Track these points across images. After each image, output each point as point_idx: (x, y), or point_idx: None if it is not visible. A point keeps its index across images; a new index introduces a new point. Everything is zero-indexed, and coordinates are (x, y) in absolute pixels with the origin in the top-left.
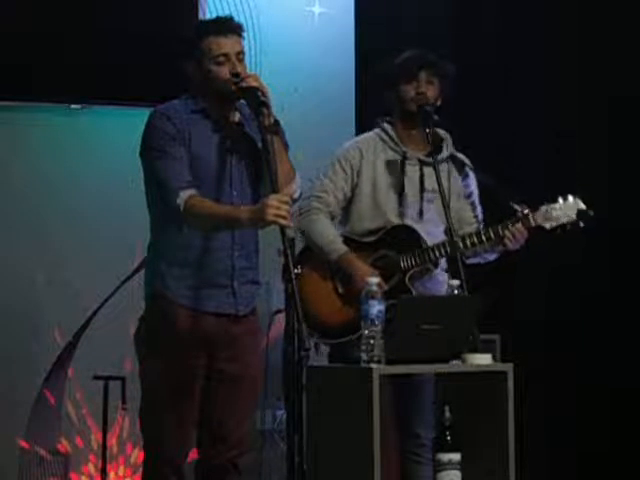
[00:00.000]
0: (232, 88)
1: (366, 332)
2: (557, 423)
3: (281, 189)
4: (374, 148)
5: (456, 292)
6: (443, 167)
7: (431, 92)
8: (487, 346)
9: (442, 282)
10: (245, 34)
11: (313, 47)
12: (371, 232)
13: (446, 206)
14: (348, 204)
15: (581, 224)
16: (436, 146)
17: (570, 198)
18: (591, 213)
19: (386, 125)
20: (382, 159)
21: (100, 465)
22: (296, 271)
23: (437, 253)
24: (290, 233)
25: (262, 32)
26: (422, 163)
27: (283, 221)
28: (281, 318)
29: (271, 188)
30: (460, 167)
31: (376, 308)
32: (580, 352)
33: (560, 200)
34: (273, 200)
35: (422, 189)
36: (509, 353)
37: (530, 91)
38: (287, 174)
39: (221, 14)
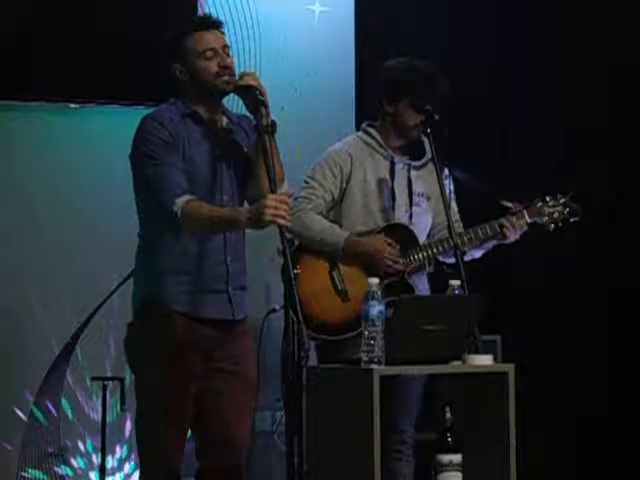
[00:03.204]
0: (222, 81)
1: (366, 333)
2: (557, 423)
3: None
4: (361, 153)
5: (457, 292)
6: (430, 168)
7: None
8: (488, 347)
9: (425, 280)
10: (244, 32)
11: (313, 46)
12: (362, 234)
13: (447, 206)
14: (338, 209)
15: (572, 220)
16: (419, 149)
17: (561, 195)
18: (580, 210)
19: (372, 130)
20: (370, 164)
21: (98, 466)
22: (295, 271)
23: (436, 250)
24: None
25: (262, 31)
26: (409, 167)
27: (282, 221)
28: (280, 319)
29: (268, 188)
30: (440, 168)
31: (376, 309)
32: (580, 352)
33: (551, 197)
34: (271, 200)
35: (410, 193)
36: (509, 353)
37: (529, 92)
38: (279, 176)
39: (221, 13)
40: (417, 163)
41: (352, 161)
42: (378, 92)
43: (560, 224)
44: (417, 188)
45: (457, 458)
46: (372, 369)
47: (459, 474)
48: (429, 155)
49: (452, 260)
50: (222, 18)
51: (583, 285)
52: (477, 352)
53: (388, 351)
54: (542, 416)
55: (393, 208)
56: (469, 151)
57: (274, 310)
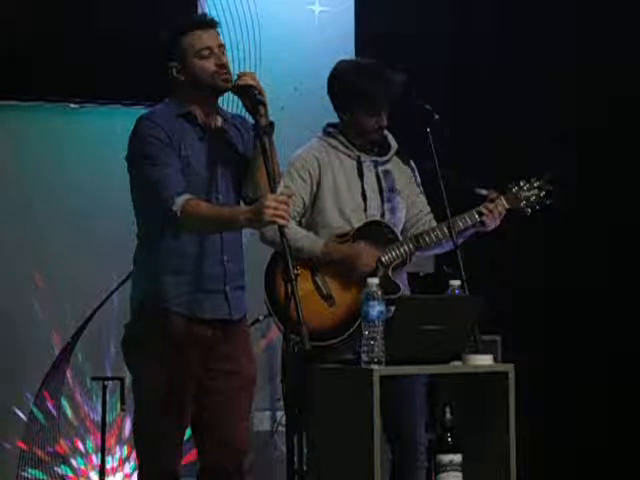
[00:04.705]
0: (220, 79)
1: (366, 333)
2: (557, 423)
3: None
4: (327, 155)
5: (457, 292)
6: (396, 161)
7: (386, 120)
8: (488, 347)
9: (404, 275)
10: (244, 32)
11: (313, 46)
12: (338, 237)
13: (444, 198)
14: (310, 214)
15: (548, 202)
16: (385, 144)
17: (534, 179)
18: (555, 192)
19: (334, 130)
20: (337, 165)
21: (98, 466)
22: (295, 271)
23: (417, 244)
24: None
25: (262, 31)
26: (376, 164)
27: (281, 221)
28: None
29: (267, 188)
30: (405, 159)
31: (377, 309)
32: (580, 352)
33: (525, 181)
34: (271, 200)
35: (381, 190)
36: (509, 353)
37: (529, 92)
38: (277, 175)
39: (221, 13)
40: (384, 158)
41: (319, 164)
42: (331, 99)
43: (537, 207)
44: (387, 184)
45: (457, 458)
46: (372, 369)
47: (459, 474)
48: (394, 149)
49: (430, 252)
50: (222, 18)
51: (583, 285)
52: (477, 352)
53: (388, 351)
54: (542, 416)
55: (365, 208)
56: (469, 150)
57: (257, 320)
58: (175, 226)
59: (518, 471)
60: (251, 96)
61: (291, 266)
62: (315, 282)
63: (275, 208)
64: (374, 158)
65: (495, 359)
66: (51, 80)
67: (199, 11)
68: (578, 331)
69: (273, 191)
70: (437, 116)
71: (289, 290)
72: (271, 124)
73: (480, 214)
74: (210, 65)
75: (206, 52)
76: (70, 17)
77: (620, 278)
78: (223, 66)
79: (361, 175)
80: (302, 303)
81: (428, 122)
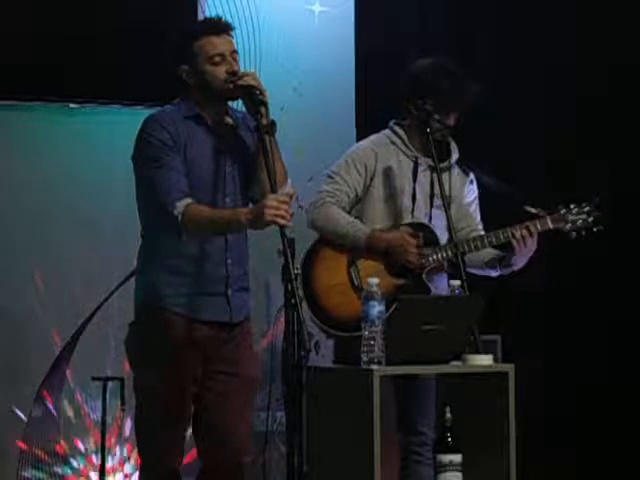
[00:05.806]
0: (230, 87)
1: (366, 333)
2: (557, 423)
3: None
4: (387, 151)
5: (457, 292)
6: (453, 171)
7: (453, 121)
8: (488, 347)
9: (445, 279)
10: (244, 32)
11: (313, 46)
12: (383, 232)
13: (446, 207)
14: (360, 206)
15: (596, 229)
16: (445, 150)
17: (585, 204)
18: (604, 219)
19: (398, 129)
20: (395, 163)
21: (99, 466)
22: (296, 271)
23: (456, 250)
24: (289, 233)
25: (261, 31)
26: (432, 169)
27: (282, 221)
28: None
29: (269, 188)
30: (466, 172)
31: (376, 309)
32: (580, 352)
33: (575, 205)
34: (272, 200)
35: (432, 195)
36: (509, 353)
37: (529, 92)
38: (281, 175)
39: (221, 13)
40: (442, 164)
41: (377, 159)
42: (405, 91)
43: (583, 232)
44: (438, 190)
45: (457, 458)
46: (372, 369)
47: (459, 474)
48: (455, 158)
49: (494, 274)
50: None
51: (583, 285)
52: (477, 352)
53: (388, 351)
54: (542, 416)
55: (413, 209)
56: (468, 150)
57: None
58: (176, 228)
59: (518, 471)
60: (252, 96)
61: (291, 266)
62: (349, 273)
63: (276, 208)
64: (431, 163)
65: (495, 359)
66: (51, 80)
67: (199, 10)
68: (578, 331)
69: (274, 191)
70: (437, 116)
71: (289, 289)
72: (273, 123)
73: (507, 236)
74: (221, 72)
75: (218, 58)
76: (71, 17)
77: (620, 278)
78: (234, 73)
79: (415, 176)
80: (333, 292)
81: (428, 123)
